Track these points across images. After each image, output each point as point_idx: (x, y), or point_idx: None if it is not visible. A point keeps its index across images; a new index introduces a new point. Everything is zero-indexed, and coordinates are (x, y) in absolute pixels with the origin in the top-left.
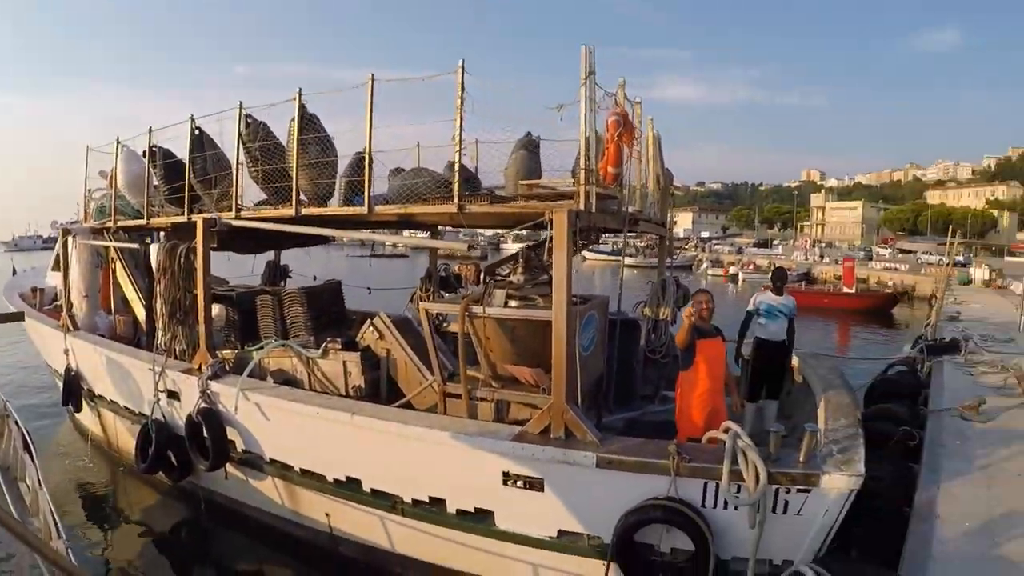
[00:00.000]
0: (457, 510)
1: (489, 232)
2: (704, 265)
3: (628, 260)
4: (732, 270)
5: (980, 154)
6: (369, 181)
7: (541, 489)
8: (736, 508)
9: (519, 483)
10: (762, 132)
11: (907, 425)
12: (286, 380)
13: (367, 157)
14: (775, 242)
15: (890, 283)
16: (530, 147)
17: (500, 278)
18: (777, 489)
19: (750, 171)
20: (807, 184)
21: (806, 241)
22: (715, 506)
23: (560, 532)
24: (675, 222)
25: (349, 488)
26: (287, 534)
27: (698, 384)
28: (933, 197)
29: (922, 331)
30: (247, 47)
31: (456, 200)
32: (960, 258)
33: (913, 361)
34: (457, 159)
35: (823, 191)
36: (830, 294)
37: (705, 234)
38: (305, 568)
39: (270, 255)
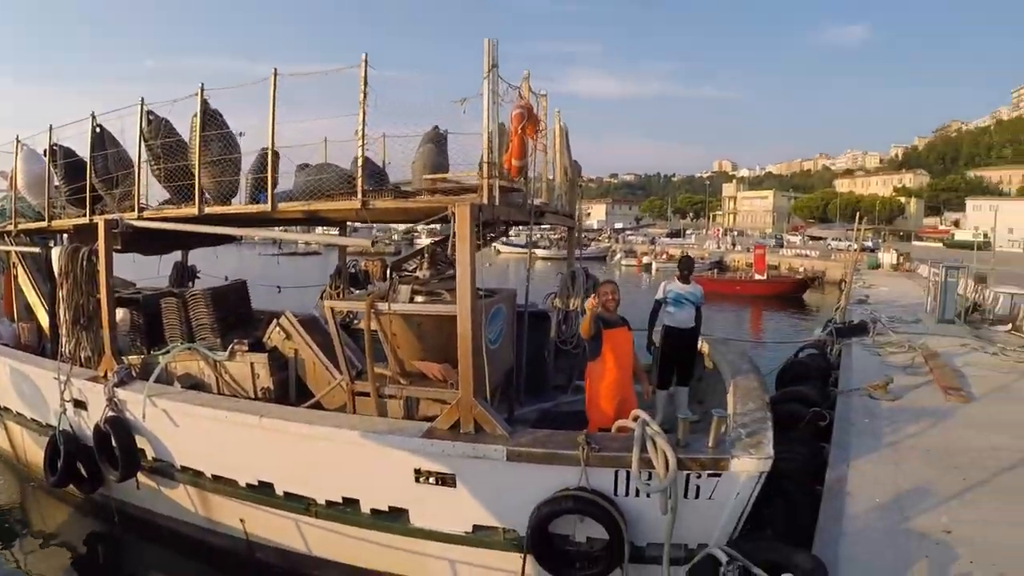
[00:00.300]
0: (371, 510)
1: (403, 227)
2: (618, 256)
3: (541, 252)
4: (646, 260)
5: (887, 144)
6: (272, 177)
7: (453, 485)
8: (648, 495)
9: (431, 480)
10: (675, 124)
11: (817, 406)
12: (194, 384)
13: (270, 153)
14: (688, 232)
15: (801, 269)
16: (437, 141)
17: (406, 274)
18: (688, 474)
19: (663, 163)
20: (719, 175)
21: (718, 230)
22: (627, 494)
23: (475, 527)
24: (588, 214)
25: (262, 492)
26: (203, 542)
27: (606, 374)
28: (842, 185)
29: (832, 315)
30: (157, 37)
31: (359, 196)
32: (869, 243)
33: (823, 344)
34: (360, 154)
35: (735, 181)
36: (742, 281)
37: (619, 225)
38: None
39: (178, 255)
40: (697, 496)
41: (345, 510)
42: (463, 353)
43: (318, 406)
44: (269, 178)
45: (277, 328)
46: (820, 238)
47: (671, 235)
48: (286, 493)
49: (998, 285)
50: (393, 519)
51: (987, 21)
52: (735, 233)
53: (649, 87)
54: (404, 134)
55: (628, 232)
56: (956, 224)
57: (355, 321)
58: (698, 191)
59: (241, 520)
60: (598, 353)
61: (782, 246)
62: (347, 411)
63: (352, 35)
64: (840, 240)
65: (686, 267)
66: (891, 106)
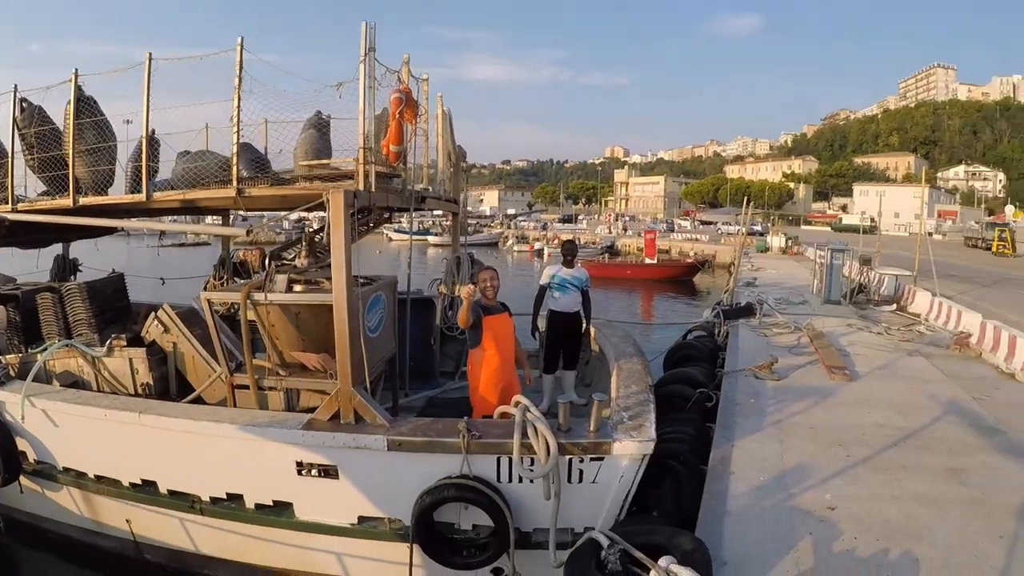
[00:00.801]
0: (256, 504)
1: (295, 215)
2: (510, 242)
3: (434, 239)
4: (537, 245)
5: (778, 131)
6: (148, 166)
7: (336, 476)
8: (531, 481)
9: (314, 472)
10: (567, 111)
11: (704, 387)
12: (73, 383)
13: (143, 140)
14: (580, 217)
15: (691, 253)
16: (319, 127)
17: (286, 263)
18: (570, 459)
19: (556, 149)
20: (612, 160)
21: (610, 216)
22: (510, 480)
23: (360, 518)
24: (481, 200)
25: (146, 491)
26: (91, 546)
27: (487, 361)
28: (733, 171)
29: (721, 297)
30: (43, 20)
31: (235, 184)
32: (758, 227)
33: (712, 326)
34: (235, 140)
35: (626, 167)
36: (633, 265)
37: (511, 211)
38: None
39: (60, 249)
40: (581, 480)
41: (230, 506)
42: (340, 343)
43: (200, 400)
44: (144, 166)
45: (155, 321)
46: (710, 223)
47: (563, 221)
48: (170, 491)
49: (883, 267)
50: (278, 513)
51: (876, 15)
52: (627, 218)
53: (541, 73)
54: (289, 119)
55: (520, 218)
56: (844, 209)
57: (238, 313)
58: (591, 177)
59: (127, 521)
60: (479, 341)
61: (673, 231)
62: (228, 405)
63: (249, 21)
64: (730, 224)
65: (569, 252)
66: (782, 95)
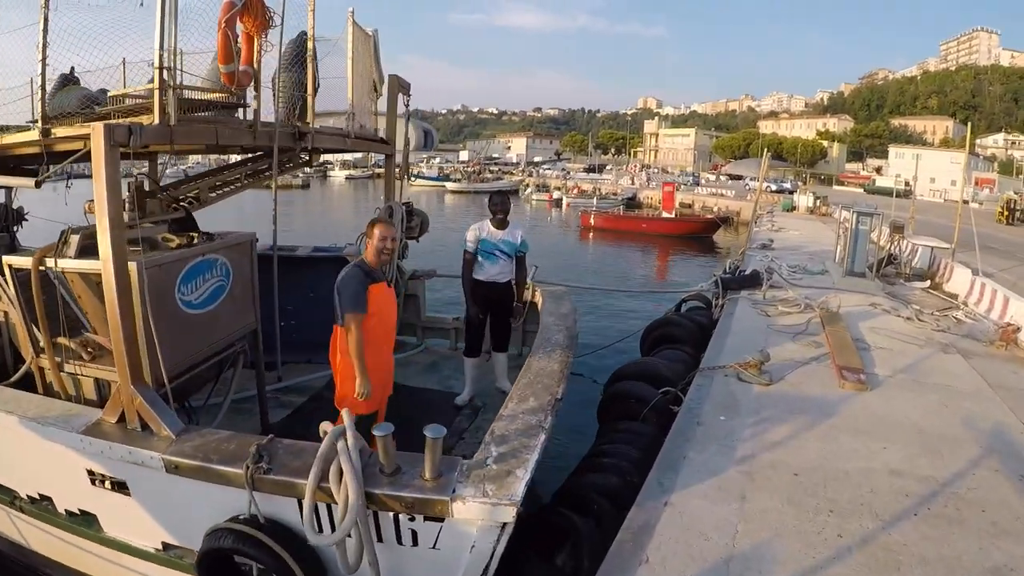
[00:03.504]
0: (65, 510)
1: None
2: (529, 190)
3: (452, 185)
4: (556, 195)
5: (814, 89)
6: None
7: (129, 493)
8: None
9: (107, 484)
10: (601, 61)
11: (671, 385)
12: None
13: None
14: (608, 167)
15: (715, 208)
16: None
17: None
18: (397, 515)
19: (588, 98)
20: (644, 112)
21: (635, 167)
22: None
23: (165, 544)
24: (508, 147)
25: None
26: None
27: (368, 343)
28: (766, 127)
29: (733, 260)
30: None
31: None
32: (788, 185)
33: (711, 297)
34: (41, 70)
35: (657, 118)
36: (648, 219)
37: (538, 159)
38: None
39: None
40: (415, 543)
41: (47, 508)
42: (113, 327)
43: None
44: None
45: None
46: (738, 177)
47: (587, 170)
48: None
49: (917, 236)
50: (87, 524)
51: None
52: (655, 170)
53: (577, 21)
54: None
55: (545, 167)
56: (878, 171)
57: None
58: (623, 128)
59: None
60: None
61: (698, 184)
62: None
63: None
64: (757, 179)
65: (497, 207)
66: (819, 52)
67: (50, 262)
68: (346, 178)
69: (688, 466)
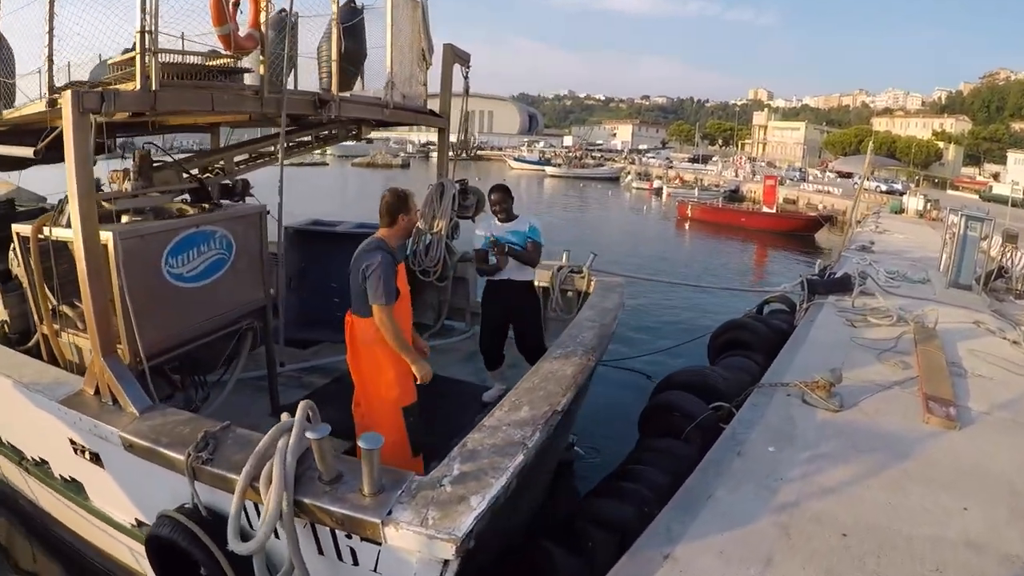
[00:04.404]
0: (60, 475)
1: (423, 138)
2: (629, 178)
3: (552, 170)
4: (657, 184)
5: (931, 86)
6: None
7: (103, 467)
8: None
9: (86, 455)
10: (712, 49)
11: (726, 399)
12: None
13: None
14: (714, 159)
15: (819, 206)
16: None
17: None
18: (333, 529)
19: (697, 87)
20: (754, 103)
21: (740, 159)
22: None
23: (138, 521)
24: (614, 134)
25: None
26: None
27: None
28: (879, 124)
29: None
30: None
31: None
32: (898, 185)
33: (799, 299)
34: (48, 41)
35: (766, 110)
36: (748, 213)
37: (643, 147)
38: None
39: None
40: (356, 563)
41: (46, 470)
42: (84, 298)
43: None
44: None
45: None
46: (847, 175)
47: (692, 160)
48: (8, 441)
49: None
50: (77, 491)
51: None
52: (761, 163)
53: (687, 7)
54: None
55: (649, 155)
56: (995, 177)
57: None
58: (731, 118)
59: None
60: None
61: (805, 180)
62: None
63: None
64: (869, 179)
65: (497, 206)
66: (939, 47)
67: (48, 231)
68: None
69: (711, 508)
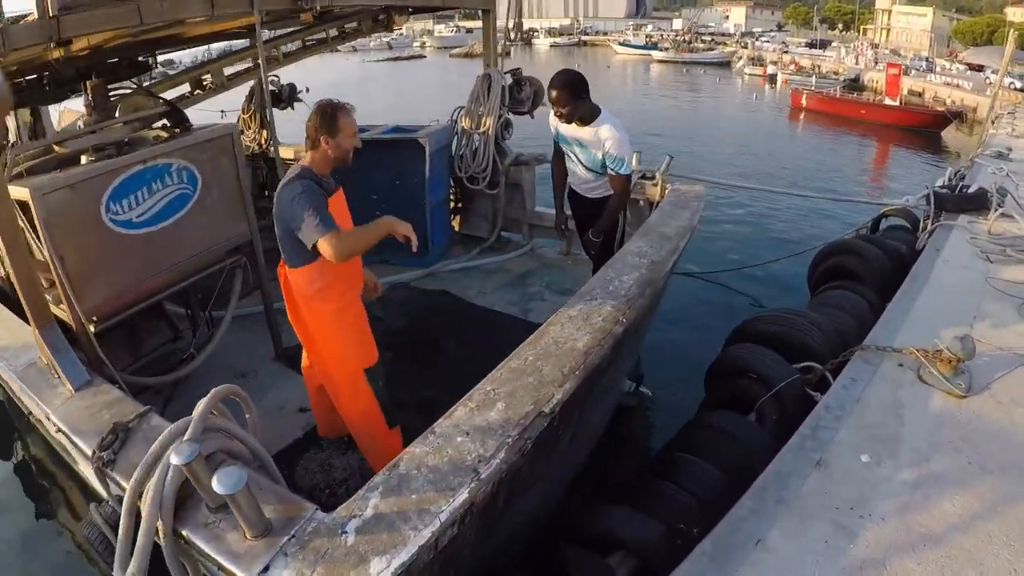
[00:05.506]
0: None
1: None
2: (741, 63)
3: (658, 54)
4: (771, 70)
5: None
6: None
7: None
8: None
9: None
10: None
11: (818, 359)
12: None
13: None
14: (833, 44)
15: (947, 101)
16: None
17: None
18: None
19: None
20: None
21: (861, 45)
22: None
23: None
24: (726, 16)
25: None
26: None
27: (340, 278)
28: (1016, 14)
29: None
30: None
31: None
32: None
33: (924, 216)
34: None
35: None
36: (868, 105)
37: (757, 30)
38: None
39: None
40: None
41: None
42: (6, 268)
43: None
44: None
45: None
46: (978, 68)
47: (808, 45)
48: None
49: None
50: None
51: None
52: (885, 51)
53: None
54: None
55: (763, 39)
56: None
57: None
58: (852, 2)
59: None
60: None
61: (931, 71)
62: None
63: None
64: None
65: (558, 97)
66: None
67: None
68: (550, 46)
69: (754, 564)
